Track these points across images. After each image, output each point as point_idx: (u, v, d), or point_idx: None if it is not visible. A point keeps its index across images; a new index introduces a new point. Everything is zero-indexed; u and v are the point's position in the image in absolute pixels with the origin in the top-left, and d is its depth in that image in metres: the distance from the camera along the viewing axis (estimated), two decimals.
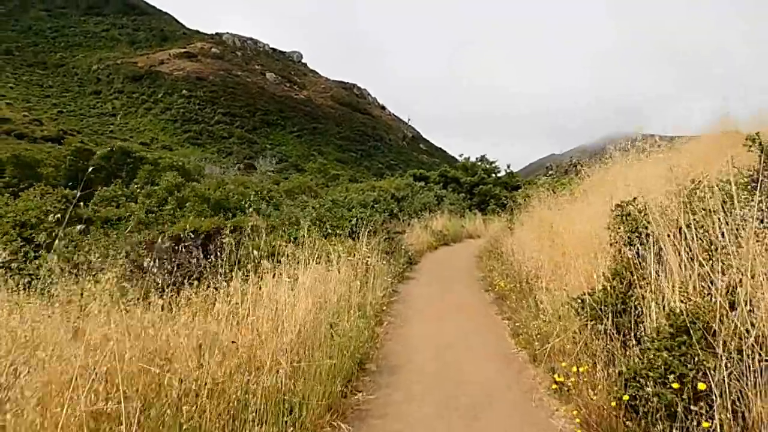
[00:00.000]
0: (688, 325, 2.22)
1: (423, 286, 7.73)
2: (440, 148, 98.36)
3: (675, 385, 2.12)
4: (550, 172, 14.37)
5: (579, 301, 3.43)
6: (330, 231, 9.34)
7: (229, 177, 16.50)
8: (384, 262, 7.56)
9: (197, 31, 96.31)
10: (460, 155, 32.39)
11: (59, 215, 7.03)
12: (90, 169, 16.53)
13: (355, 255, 6.23)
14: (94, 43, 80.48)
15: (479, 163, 30.84)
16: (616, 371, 2.61)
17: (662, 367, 2.13)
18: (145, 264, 5.52)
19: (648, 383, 2.21)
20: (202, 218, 10.62)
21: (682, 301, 2.47)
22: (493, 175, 30.44)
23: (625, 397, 2.34)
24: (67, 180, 15.07)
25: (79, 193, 9.19)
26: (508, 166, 31.84)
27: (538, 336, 3.97)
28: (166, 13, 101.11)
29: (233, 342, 2.49)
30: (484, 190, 27.81)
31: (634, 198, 3.70)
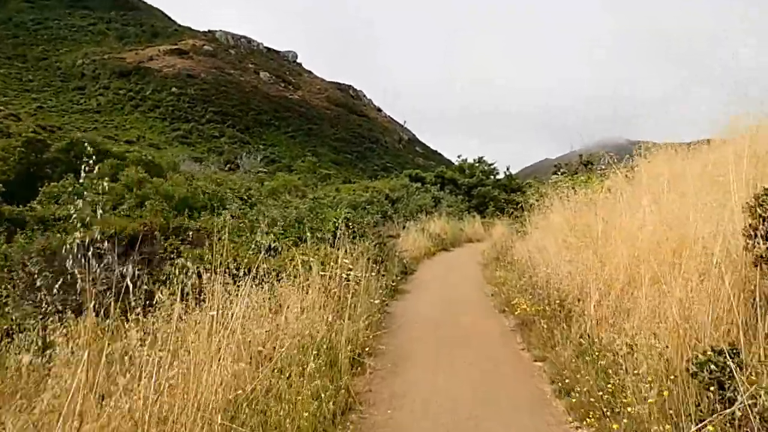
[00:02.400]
0: None
1: (421, 305, 6.18)
2: (436, 151, 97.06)
3: None
4: (561, 170, 12.90)
5: (712, 368, 1.87)
6: (310, 235, 7.74)
7: (202, 173, 14.85)
8: (373, 273, 6.00)
9: (189, 28, 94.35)
10: (458, 156, 31.20)
11: None
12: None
13: (331, 267, 4.65)
14: (80, 38, 78.23)
15: (477, 165, 29.72)
16: None
17: None
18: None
19: None
20: (159, 217, 8.98)
21: None
22: (492, 176, 29.42)
23: None
24: (16, 175, 13.32)
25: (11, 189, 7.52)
26: (508, 168, 30.92)
27: (617, 409, 2.41)
28: (156, 9, 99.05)
29: None
30: (483, 191, 26.74)
31: None
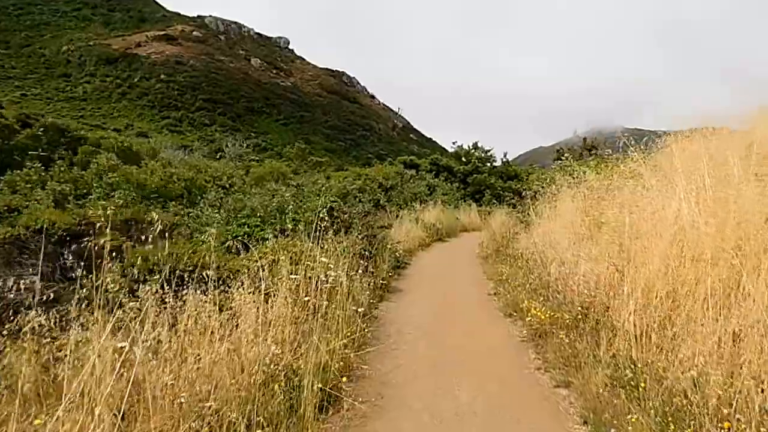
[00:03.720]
0: None
1: (415, 308, 5.41)
2: (431, 139, 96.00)
3: None
4: (565, 155, 12.08)
5: None
6: (291, 226, 6.90)
7: (182, 160, 13.90)
8: (360, 272, 5.21)
9: (178, 14, 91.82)
10: (453, 142, 30.26)
11: None
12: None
13: (305, 268, 3.85)
14: (64, 23, 75.76)
15: (473, 151, 28.84)
16: None
17: None
18: None
19: None
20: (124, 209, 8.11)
21: None
22: (488, 163, 28.58)
23: None
24: None
25: None
26: (505, 155, 30.09)
27: None
28: None
29: None
30: (479, 179, 25.97)
31: None
